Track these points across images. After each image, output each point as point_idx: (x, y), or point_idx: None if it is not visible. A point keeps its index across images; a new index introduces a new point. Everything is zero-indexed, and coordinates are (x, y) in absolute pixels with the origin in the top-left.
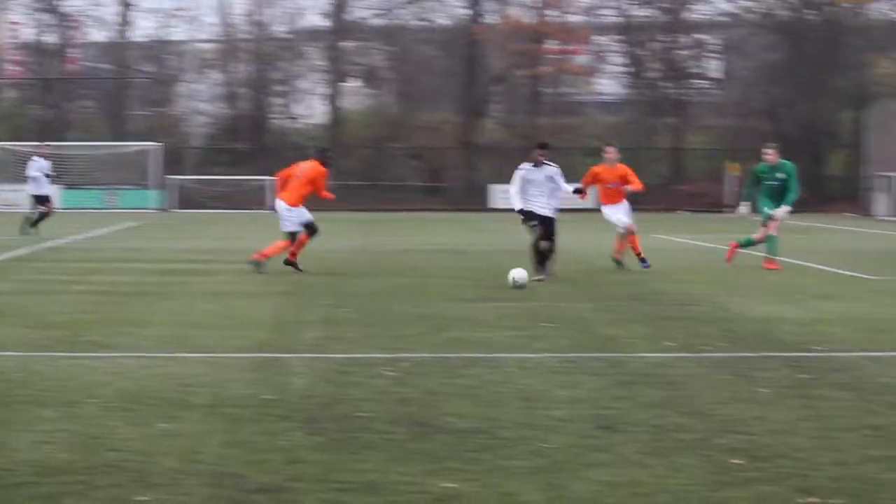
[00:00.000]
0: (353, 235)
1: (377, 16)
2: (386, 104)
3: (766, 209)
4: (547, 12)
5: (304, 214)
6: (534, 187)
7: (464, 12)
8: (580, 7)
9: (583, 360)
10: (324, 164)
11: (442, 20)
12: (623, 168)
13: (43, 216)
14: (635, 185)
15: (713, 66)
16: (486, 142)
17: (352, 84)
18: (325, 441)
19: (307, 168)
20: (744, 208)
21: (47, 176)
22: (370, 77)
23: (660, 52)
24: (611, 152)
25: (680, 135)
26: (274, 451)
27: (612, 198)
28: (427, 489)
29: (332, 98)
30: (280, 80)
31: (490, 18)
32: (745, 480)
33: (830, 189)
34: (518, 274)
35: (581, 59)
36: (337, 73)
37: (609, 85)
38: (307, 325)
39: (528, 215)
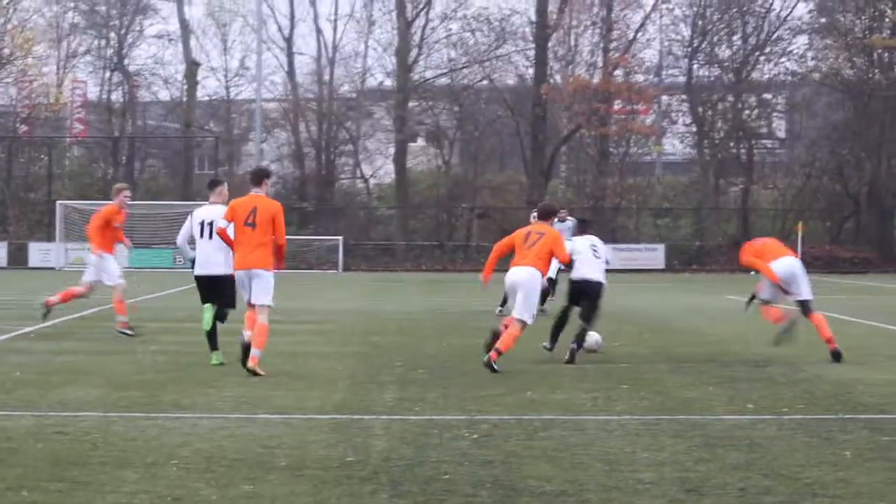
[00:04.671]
0: (421, 296)
1: (442, 75)
2: (452, 164)
3: None
4: (612, 72)
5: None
6: None
7: (529, 72)
8: (646, 67)
9: (664, 422)
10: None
11: (508, 80)
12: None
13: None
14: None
15: (779, 126)
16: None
17: (418, 144)
18: None
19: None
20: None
21: None
22: (436, 137)
23: (726, 111)
24: None
25: (747, 194)
26: None
27: None
28: None
29: (399, 158)
30: (346, 139)
31: (556, 78)
32: None
33: None
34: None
35: (647, 119)
36: (403, 133)
37: (675, 145)
38: (383, 385)
39: None
